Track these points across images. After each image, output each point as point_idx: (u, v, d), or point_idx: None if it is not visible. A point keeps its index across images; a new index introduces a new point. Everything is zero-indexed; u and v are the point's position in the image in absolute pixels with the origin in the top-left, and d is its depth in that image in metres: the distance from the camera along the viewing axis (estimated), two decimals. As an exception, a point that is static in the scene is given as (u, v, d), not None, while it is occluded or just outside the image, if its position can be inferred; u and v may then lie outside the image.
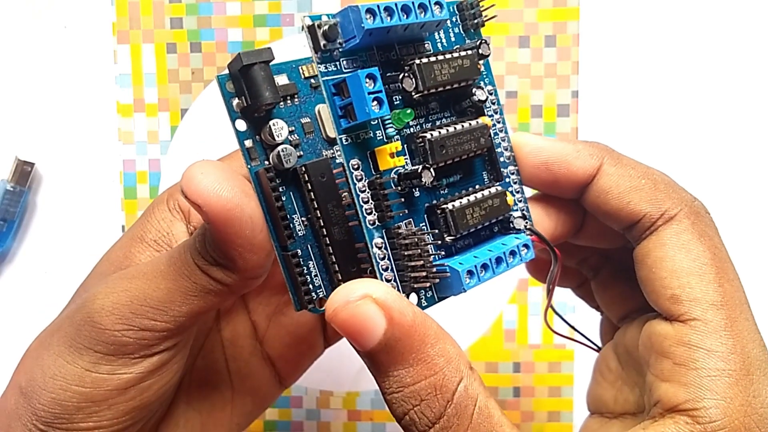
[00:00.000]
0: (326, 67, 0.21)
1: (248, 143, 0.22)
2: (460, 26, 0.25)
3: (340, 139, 0.21)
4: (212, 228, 0.22)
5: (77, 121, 0.43)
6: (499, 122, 0.26)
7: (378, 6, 0.21)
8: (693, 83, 0.42)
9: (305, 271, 0.23)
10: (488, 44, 0.24)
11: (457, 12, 0.25)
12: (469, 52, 0.24)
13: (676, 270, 0.23)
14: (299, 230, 0.23)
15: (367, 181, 0.22)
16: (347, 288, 0.21)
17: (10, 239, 0.43)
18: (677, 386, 0.22)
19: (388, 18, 0.21)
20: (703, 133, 0.42)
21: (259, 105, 0.22)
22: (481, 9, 0.25)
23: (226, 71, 0.22)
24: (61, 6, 0.43)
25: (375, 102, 0.21)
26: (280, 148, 0.23)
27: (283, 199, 0.23)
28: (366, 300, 0.20)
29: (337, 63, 0.22)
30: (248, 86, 0.22)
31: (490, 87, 0.25)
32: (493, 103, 0.25)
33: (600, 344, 0.30)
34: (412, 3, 0.22)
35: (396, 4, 0.21)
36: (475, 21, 0.25)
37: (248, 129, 0.22)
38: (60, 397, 0.24)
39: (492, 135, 0.25)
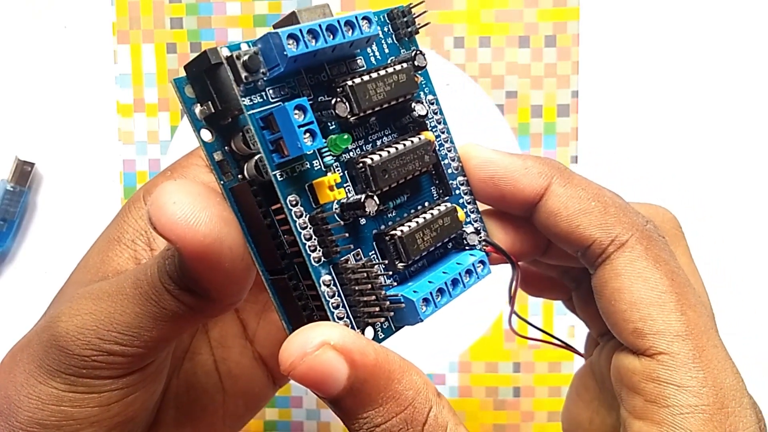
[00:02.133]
0: (251, 100, 0.19)
1: (218, 156, 0.20)
2: (393, 36, 0.23)
3: (274, 175, 0.20)
4: (187, 263, 0.20)
5: (77, 121, 0.43)
6: (443, 132, 0.24)
7: (300, 30, 0.19)
8: (693, 83, 0.42)
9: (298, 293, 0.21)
10: (424, 55, 0.23)
11: (388, 21, 0.23)
12: (405, 65, 0.22)
13: (635, 302, 0.21)
14: (287, 249, 0.21)
15: (307, 216, 0.20)
16: (301, 337, 0.19)
17: (10, 239, 0.43)
18: (650, 425, 0.20)
19: (313, 41, 0.20)
20: (704, 133, 0.42)
21: (233, 110, 0.20)
22: (414, 16, 0.23)
23: (183, 73, 0.20)
24: (61, 6, 0.43)
25: (307, 134, 0.19)
26: (258, 156, 0.20)
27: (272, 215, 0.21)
28: (324, 348, 0.19)
29: (263, 93, 0.20)
30: (216, 89, 0.20)
31: (431, 96, 0.24)
32: (436, 113, 0.24)
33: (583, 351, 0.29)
34: (338, 22, 0.20)
35: (320, 26, 0.20)
36: (408, 30, 0.23)
37: (216, 139, 0.20)
38: (37, 416, 0.22)
39: (437, 147, 0.24)
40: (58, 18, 0.43)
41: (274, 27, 0.20)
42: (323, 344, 0.19)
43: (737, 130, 0.42)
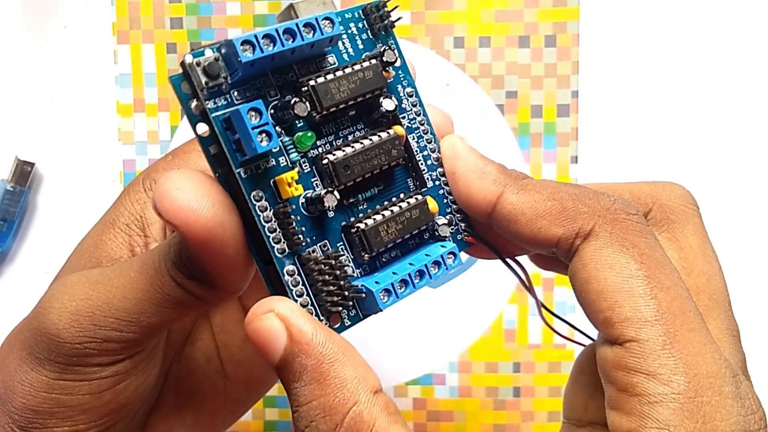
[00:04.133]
0: (215, 103, 0.20)
1: (213, 149, 0.21)
2: (368, 31, 0.24)
3: (239, 173, 0.20)
4: (191, 248, 0.20)
5: (77, 121, 0.43)
6: (422, 124, 0.24)
7: (256, 36, 0.20)
8: (693, 83, 0.42)
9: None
10: (393, 50, 0.23)
11: (363, 17, 0.24)
12: (373, 62, 0.23)
13: (602, 290, 0.21)
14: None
15: (272, 210, 0.21)
16: (259, 303, 0.21)
17: (10, 239, 0.43)
18: (622, 414, 0.20)
19: (270, 46, 0.20)
20: (704, 133, 0.42)
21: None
22: (388, 11, 0.24)
23: (179, 71, 0.21)
24: (61, 6, 0.43)
25: (262, 135, 0.20)
26: None
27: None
28: (269, 315, 0.20)
29: (227, 96, 0.21)
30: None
31: (410, 89, 0.24)
32: (414, 105, 0.24)
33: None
34: (296, 25, 0.21)
35: (277, 30, 0.20)
36: (384, 23, 0.24)
37: (212, 133, 0.21)
38: (31, 402, 0.23)
39: (416, 139, 0.24)
40: (58, 18, 0.43)
41: (278, 21, 0.21)
42: (269, 311, 0.20)
43: (738, 130, 0.42)
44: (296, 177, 0.21)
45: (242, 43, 0.20)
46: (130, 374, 0.23)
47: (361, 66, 0.22)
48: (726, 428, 0.19)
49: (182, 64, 0.20)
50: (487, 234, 0.25)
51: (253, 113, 0.20)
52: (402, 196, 0.24)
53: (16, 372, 0.23)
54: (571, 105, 0.42)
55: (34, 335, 0.23)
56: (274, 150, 0.21)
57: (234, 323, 0.29)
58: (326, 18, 0.21)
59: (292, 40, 0.21)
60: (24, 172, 0.42)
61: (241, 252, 0.21)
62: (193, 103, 0.21)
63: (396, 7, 0.24)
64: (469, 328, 0.43)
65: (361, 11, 0.24)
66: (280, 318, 0.20)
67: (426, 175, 0.24)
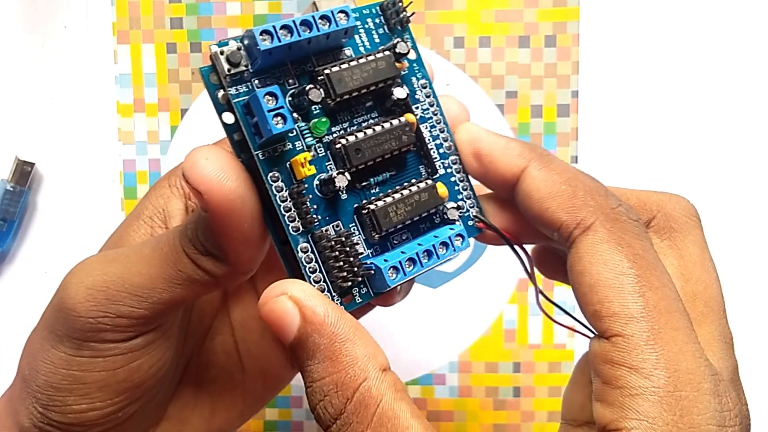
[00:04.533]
0: (237, 89, 0.22)
1: (237, 136, 0.22)
2: (384, 27, 0.25)
3: (257, 155, 0.22)
4: (210, 217, 0.22)
5: (77, 121, 0.43)
6: (435, 114, 0.26)
7: (274, 26, 0.21)
8: (693, 83, 0.42)
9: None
10: (406, 42, 0.24)
11: (380, 12, 0.25)
12: (386, 53, 0.24)
13: (594, 284, 0.22)
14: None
15: (287, 191, 0.22)
16: (273, 285, 0.22)
17: (10, 239, 0.43)
18: (604, 406, 0.21)
19: (287, 36, 0.22)
20: (704, 133, 0.42)
21: None
22: (404, 6, 0.25)
23: (209, 63, 0.22)
24: (61, 6, 0.43)
25: (277, 118, 0.21)
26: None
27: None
28: (283, 297, 0.21)
29: (249, 83, 0.22)
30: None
31: (423, 81, 0.26)
32: (428, 96, 0.26)
33: None
34: (313, 17, 0.22)
35: (294, 21, 0.22)
36: (399, 18, 0.25)
37: (236, 122, 0.22)
38: (51, 380, 0.24)
39: (429, 128, 0.25)
40: (58, 18, 0.43)
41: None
42: (283, 294, 0.21)
43: (738, 130, 0.42)
44: (309, 158, 0.22)
45: (261, 33, 0.21)
46: (143, 353, 0.24)
47: (375, 57, 0.24)
48: (702, 422, 0.19)
49: (209, 54, 0.22)
50: (498, 220, 0.26)
51: (270, 97, 0.21)
52: (413, 181, 0.25)
53: (38, 351, 0.24)
54: (571, 105, 0.42)
55: (54, 312, 0.24)
56: (290, 134, 0.23)
57: (252, 319, 0.30)
58: (342, 11, 0.23)
59: (308, 30, 0.22)
60: (24, 172, 0.42)
61: (257, 229, 0.22)
62: (220, 93, 0.22)
63: (411, 2, 0.25)
64: (469, 328, 0.43)
65: (378, 7, 0.25)
66: (294, 300, 0.21)
67: (437, 163, 0.26)
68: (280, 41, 0.21)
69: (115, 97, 0.43)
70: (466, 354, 0.43)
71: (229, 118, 0.22)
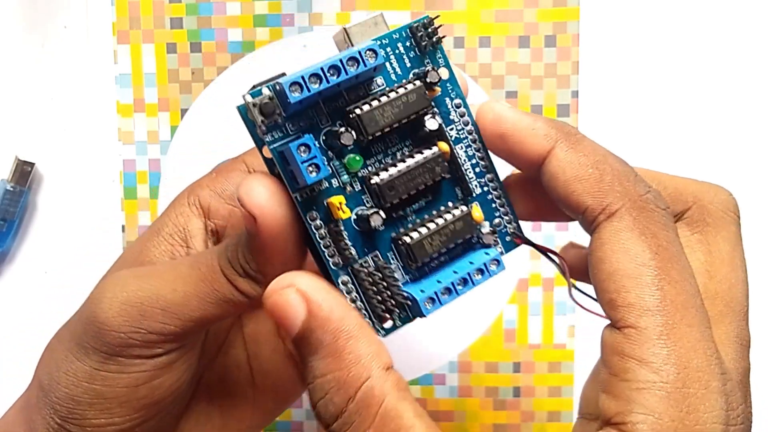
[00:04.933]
0: (272, 136, 0.22)
1: (276, 170, 0.23)
2: (416, 49, 0.24)
3: (295, 197, 0.22)
4: (259, 240, 0.22)
5: (77, 121, 0.43)
6: (471, 133, 0.25)
7: (303, 77, 0.21)
8: (694, 83, 0.42)
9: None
10: (436, 70, 0.24)
11: (410, 35, 0.24)
12: (417, 83, 0.23)
13: (613, 272, 0.21)
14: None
15: (325, 229, 0.23)
16: (280, 277, 0.22)
17: (10, 239, 0.43)
18: (611, 398, 0.20)
19: (317, 84, 0.22)
20: (704, 133, 0.42)
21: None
22: (435, 27, 0.24)
23: (248, 99, 0.22)
24: (61, 6, 0.43)
25: (312, 167, 0.22)
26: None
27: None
28: (290, 289, 0.21)
29: (283, 128, 0.22)
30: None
31: (458, 100, 0.25)
32: (462, 116, 0.25)
33: None
34: (341, 60, 0.22)
35: (323, 68, 0.22)
36: (431, 39, 0.24)
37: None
38: (72, 392, 0.24)
39: (464, 148, 0.25)
40: (58, 18, 0.43)
41: (334, 41, 0.23)
42: (291, 286, 0.21)
43: (738, 129, 0.42)
44: (344, 201, 0.23)
45: (291, 85, 0.21)
46: (165, 371, 0.25)
47: (405, 89, 0.23)
48: (708, 419, 0.19)
49: (244, 104, 0.22)
50: (523, 204, 0.25)
51: (303, 148, 0.22)
52: (450, 204, 0.25)
53: (62, 362, 0.24)
54: (571, 105, 0.42)
55: (84, 324, 0.24)
56: (319, 180, 0.23)
57: (265, 334, 0.30)
58: (370, 49, 0.22)
59: (337, 75, 0.22)
60: (24, 172, 0.42)
61: (298, 253, 0.23)
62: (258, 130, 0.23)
63: (441, 25, 0.24)
64: (469, 328, 0.43)
65: (408, 30, 0.24)
66: (301, 293, 0.21)
67: (473, 183, 0.25)
68: (309, 91, 0.22)
69: (115, 97, 0.43)
70: (466, 354, 0.43)
71: (268, 153, 0.23)
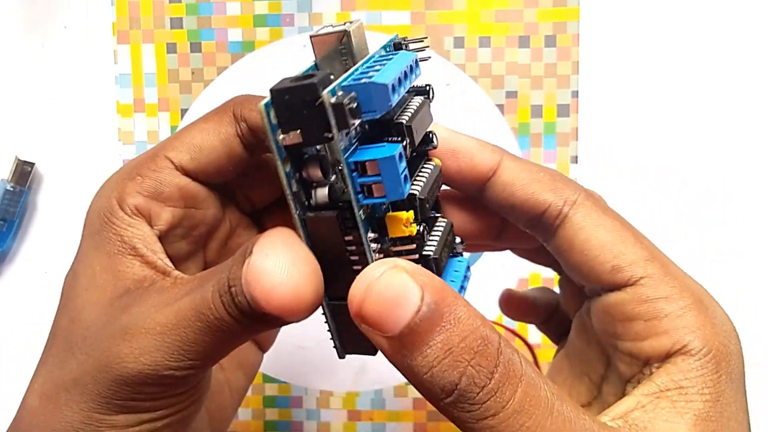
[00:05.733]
0: (344, 143, 0.19)
1: (296, 187, 0.20)
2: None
3: (359, 214, 0.20)
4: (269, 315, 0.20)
5: (77, 121, 0.43)
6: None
7: (393, 84, 0.19)
8: (693, 83, 0.42)
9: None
10: (432, 88, 0.24)
11: (394, 50, 0.24)
12: (423, 98, 0.23)
13: (604, 245, 0.24)
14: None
15: (380, 246, 0.21)
16: (375, 265, 0.20)
17: (10, 239, 0.43)
18: (659, 337, 0.23)
19: (402, 88, 0.20)
20: (704, 133, 0.42)
21: (316, 143, 0.19)
22: (415, 42, 0.24)
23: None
24: (61, 6, 0.43)
25: (406, 179, 0.19)
26: (332, 186, 0.21)
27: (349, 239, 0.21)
28: (397, 268, 0.19)
29: (349, 136, 0.20)
30: (307, 124, 0.19)
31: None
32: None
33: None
34: (409, 66, 0.21)
35: (404, 72, 0.20)
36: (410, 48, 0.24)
37: (292, 168, 0.20)
38: None
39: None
40: (58, 18, 0.43)
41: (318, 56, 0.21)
42: (396, 266, 0.19)
43: (738, 130, 0.42)
44: (412, 218, 0.21)
45: (392, 88, 0.19)
46: (184, 409, 0.24)
47: (420, 102, 0.23)
48: (721, 315, 0.24)
49: (302, 88, 0.18)
50: (467, 226, 0.27)
51: (400, 158, 0.19)
52: (442, 220, 0.25)
53: (82, 423, 0.23)
54: (571, 105, 0.42)
55: (108, 386, 0.22)
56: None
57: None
58: (416, 60, 0.22)
59: (407, 79, 0.21)
60: (24, 172, 0.42)
61: (317, 300, 0.21)
62: (280, 136, 0.19)
63: (425, 37, 0.24)
64: (469, 328, 0.43)
65: (392, 45, 0.24)
66: (407, 271, 0.19)
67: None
68: (399, 95, 0.20)
69: (115, 97, 0.43)
70: (466, 354, 0.43)
71: (289, 166, 0.20)
